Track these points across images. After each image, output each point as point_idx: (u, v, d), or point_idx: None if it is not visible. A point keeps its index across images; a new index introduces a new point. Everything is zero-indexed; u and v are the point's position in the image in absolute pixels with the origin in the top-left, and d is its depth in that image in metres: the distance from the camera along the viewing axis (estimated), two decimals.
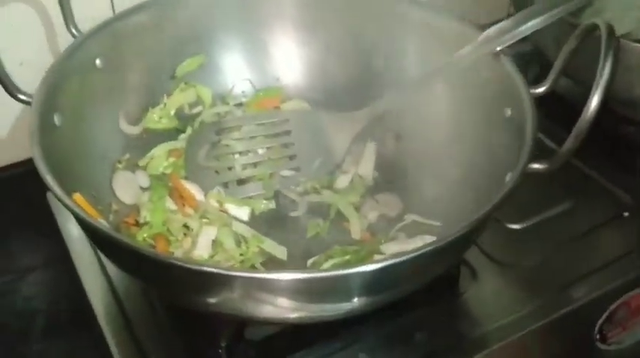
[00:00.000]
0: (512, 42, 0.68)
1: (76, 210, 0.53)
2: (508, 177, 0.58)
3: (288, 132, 0.77)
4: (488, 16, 1.05)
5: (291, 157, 0.75)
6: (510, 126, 0.64)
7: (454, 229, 0.54)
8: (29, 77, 0.65)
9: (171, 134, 0.77)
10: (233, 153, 0.76)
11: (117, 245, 0.51)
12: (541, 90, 0.64)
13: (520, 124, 0.62)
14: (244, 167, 0.75)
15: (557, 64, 0.66)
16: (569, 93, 0.84)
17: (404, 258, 0.51)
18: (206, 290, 0.52)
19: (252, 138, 0.77)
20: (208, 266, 0.49)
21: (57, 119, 0.63)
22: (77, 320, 0.79)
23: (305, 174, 0.74)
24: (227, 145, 0.76)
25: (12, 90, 0.63)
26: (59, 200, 0.53)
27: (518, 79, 0.65)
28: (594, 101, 0.55)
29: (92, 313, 0.68)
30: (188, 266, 0.48)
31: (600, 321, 0.71)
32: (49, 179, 0.54)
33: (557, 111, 0.72)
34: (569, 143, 0.56)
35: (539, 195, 0.76)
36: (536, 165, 0.57)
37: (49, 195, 0.77)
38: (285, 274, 0.48)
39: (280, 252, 0.66)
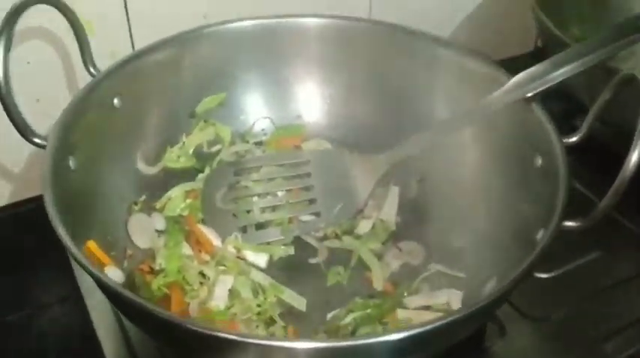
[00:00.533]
0: (543, 88, 0.65)
1: (85, 263, 0.51)
2: (540, 235, 0.55)
3: (308, 174, 0.75)
4: (515, 49, 1.03)
5: (311, 201, 0.73)
6: (541, 176, 0.62)
7: (485, 284, 0.52)
8: (45, 114, 0.64)
9: (189, 174, 0.75)
10: (252, 196, 0.73)
11: (127, 303, 0.49)
12: (574, 139, 0.62)
13: (551, 174, 0.59)
14: (263, 210, 0.73)
15: (592, 113, 0.63)
16: (601, 136, 0.81)
17: (430, 326, 0.48)
18: (222, 353, 0.49)
19: (271, 179, 0.75)
20: (223, 331, 0.46)
21: (72, 163, 0.62)
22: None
23: (325, 219, 0.72)
24: (246, 187, 0.74)
25: (27, 134, 0.61)
26: (68, 251, 0.52)
27: (549, 128, 0.62)
28: (635, 156, 0.52)
29: (102, 354, 0.66)
30: (202, 331, 0.46)
31: None
32: (60, 230, 0.53)
33: (588, 154, 0.69)
34: (608, 200, 0.53)
35: (569, 243, 0.72)
36: (570, 223, 0.54)
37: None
38: (304, 343, 0.46)
39: (299, 302, 0.64)
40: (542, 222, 0.56)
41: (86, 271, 0.51)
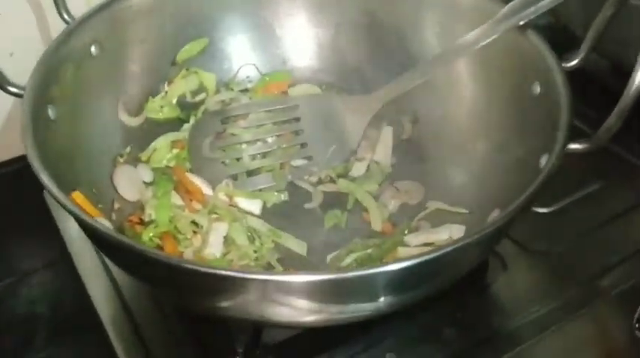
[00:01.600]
0: (537, 15, 0.63)
1: (75, 209, 0.48)
2: (544, 160, 0.53)
3: (298, 119, 0.72)
4: None
5: (303, 145, 0.71)
6: (540, 104, 0.60)
7: (487, 217, 0.50)
8: (20, 69, 0.61)
9: (174, 124, 0.73)
10: (240, 143, 0.71)
11: (121, 247, 0.46)
12: (573, 63, 0.60)
13: (551, 101, 0.58)
14: (253, 157, 0.70)
15: (590, 35, 0.61)
16: (594, 69, 0.80)
17: (433, 254, 0.46)
18: (220, 294, 0.47)
19: (260, 126, 0.72)
20: (223, 269, 0.44)
21: (51, 112, 0.59)
22: (82, 323, 0.75)
23: (318, 163, 0.70)
24: (233, 134, 0.71)
25: (2, 83, 0.58)
26: (56, 199, 0.49)
27: (547, 53, 0.61)
28: (639, 76, 0.50)
29: (96, 317, 0.64)
30: (200, 269, 0.44)
31: None
32: (44, 177, 0.50)
33: (580, 88, 0.67)
34: (612, 120, 0.51)
35: (567, 177, 0.71)
36: (575, 146, 0.53)
37: (45, 193, 0.72)
38: (308, 275, 0.44)
39: (300, 247, 0.62)
40: (544, 148, 0.55)
41: (74, 218, 0.49)
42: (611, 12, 0.59)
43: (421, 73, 0.68)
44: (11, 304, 0.78)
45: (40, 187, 0.71)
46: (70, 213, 0.49)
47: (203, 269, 0.44)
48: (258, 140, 0.71)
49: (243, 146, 0.71)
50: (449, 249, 0.47)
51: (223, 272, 0.44)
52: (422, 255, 0.46)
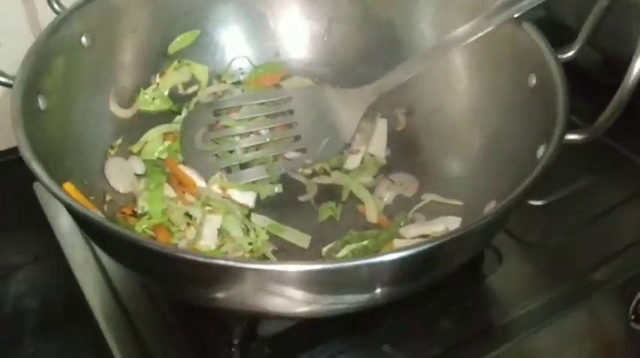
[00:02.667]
0: (532, 6, 0.63)
1: (67, 199, 0.47)
2: (541, 151, 0.53)
3: (291, 112, 0.71)
4: None
5: (296, 138, 0.70)
6: (536, 96, 0.60)
7: (484, 210, 0.49)
8: (8, 60, 0.60)
9: (166, 116, 0.72)
10: (233, 136, 0.70)
11: (114, 237, 0.46)
12: (569, 54, 0.60)
13: (547, 92, 0.57)
14: (246, 150, 0.69)
15: (587, 26, 0.62)
16: (586, 63, 0.80)
17: (430, 245, 0.46)
18: (216, 284, 0.47)
19: (252, 118, 0.71)
20: (219, 258, 0.43)
21: (41, 102, 0.58)
22: (71, 318, 0.75)
23: (311, 155, 0.69)
24: (226, 127, 0.71)
25: None
26: (47, 189, 0.48)
27: (543, 45, 0.60)
28: (637, 65, 0.50)
29: (88, 311, 0.63)
30: (197, 258, 0.43)
31: (635, 301, 0.66)
32: (36, 166, 0.49)
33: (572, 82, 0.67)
34: (611, 110, 0.51)
35: (561, 170, 0.71)
36: (573, 136, 0.52)
37: (36, 185, 0.72)
38: (305, 265, 0.43)
39: (302, 240, 0.62)
40: (541, 140, 0.54)
41: (67, 208, 0.48)
42: (606, 4, 0.59)
43: (415, 65, 0.67)
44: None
45: (29, 180, 0.71)
46: (63, 203, 0.48)
47: (200, 259, 0.43)
48: (251, 133, 0.70)
49: (236, 138, 0.70)
50: (445, 239, 0.47)
51: (220, 262, 0.43)
52: (418, 245, 0.46)
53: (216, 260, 0.43)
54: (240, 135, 0.70)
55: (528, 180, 0.50)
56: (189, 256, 0.43)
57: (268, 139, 0.70)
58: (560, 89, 0.55)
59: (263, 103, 0.72)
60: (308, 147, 0.69)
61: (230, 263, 0.43)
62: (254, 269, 0.44)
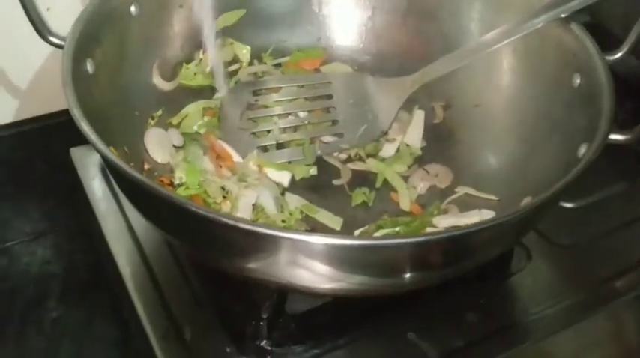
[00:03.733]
0: (580, 7, 0.63)
1: (114, 158, 0.48)
2: (583, 149, 0.53)
3: (330, 96, 0.72)
4: None
5: (334, 122, 0.70)
6: (579, 95, 0.60)
7: (518, 206, 0.49)
8: (55, 24, 0.60)
9: (206, 92, 0.72)
10: (271, 116, 0.70)
11: (157, 198, 0.46)
12: (617, 56, 0.60)
13: (592, 92, 0.58)
14: (283, 130, 0.70)
15: (633, 32, 0.61)
16: (626, 71, 0.79)
17: (463, 231, 0.47)
18: (251, 253, 0.47)
19: (292, 100, 0.72)
20: (259, 225, 0.44)
21: (90, 67, 0.59)
22: (95, 285, 0.75)
23: (348, 140, 0.69)
24: (265, 106, 0.71)
25: (44, 33, 0.58)
26: (95, 147, 0.49)
27: (589, 45, 0.60)
28: None
29: (115, 279, 0.64)
30: (239, 225, 0.44)
31: None
32: (84, 124, 0.50)
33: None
34: None
35: (594, 175, 0.71)
36: (616, 136, 0.52)
37: (73, 150, 0.72)
38: (340, 239, 0.44)
39: (335, 222, 0.62)
40: (583, 139, 0.54)
41: (112, 168, 0.49)
42: None
43: (458, 59, 0.67)
44: (25, 263, 0.78)
45: (64, 146, 0.72)
46: (109, 162, 0.48)
47: (241, 225, 0.43)
48: (289, 114, 0.71)
49: (274, 119, 0.70)
50: (479, 227, 0.47)
51: (260, 229, 0.44)
52: (451, 230, 0.46)
53: (256, 227, 0.44)
54: (279, 115, 0.71)
55: (569, 176, 0.50)
56: (231, 221, 0.44)
57: (306, 122, 0.70)
58: (605, 88, 0.56)
59: (302, 86, 0.73)
60: (345, 132, 0.69)
61: (269, 231, 0.44)
62: (291, 239, 0.44)
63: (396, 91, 0.70)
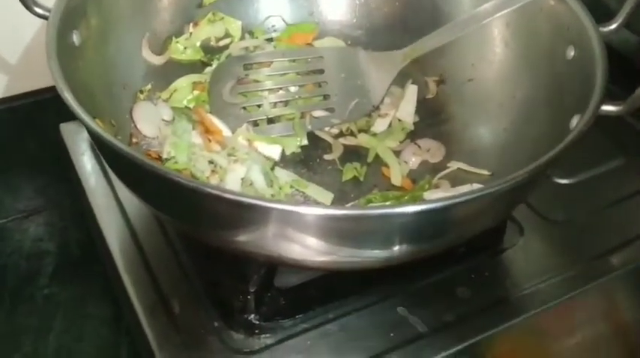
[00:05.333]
0: None
1: (98, 129, 0.47)
2: (575, 120, 0.53)
3: (321, 71, 0.71)
4: None
5: (325, 97, 0.69)
6: (573, 68, 0.59)
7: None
8: None
9: (196, 66, 0.72)
10: (262, 90, 0.70)
11: (144, 170, 0.45)
12: (611, 27, 0.59)
13: (585, 64, 0.57)
14: (274, 105, 0.69)
15: (627, 4, 0.60)
16: (622, 46, 0.79)
17: (454, 201, 0.46)
18: (238, 225, 0.47)
19: (282, 74, 0.71)
20: (244, 195, 0.43)
21: (75, 38, 0.58)
22: (86, 263, 0.75)
23: (339, 115, 0.68)
24: (256, 81, 0.70)
25: (28, 3, 0.58)
26: (79, 118, 0.48)
27: (584, 17, 0.59)
28: None
29: (104, 255, 0.63)
30: (223, 195, 0.43)
31: None
32: (68, 96, 0.49)
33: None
34: None
35: (589, 151, 0.70)
36: (609, 107, 0.52)
37: (62, 126, 0.72)
38: (327, 209, 0.43)
39: (325, 197, 0.62)
40: (575, 110, 0.54)
41: (97, 140, 0.48)
42: None
43: (450, 32, 0.66)
44: (18, 240, 0.78)
45: (54, 122, 0.72)
46: (94, 134, 0.48)
47: (226, 195, 0.43)
48: (280, 88, 0.70)
49: (265, 93, 0.70)
50: (468, 197, 0.46)
51: (244, 199, 0.43)
52: (440, 200, 0.46)
53: (242, 197, 0.43)
54: (269, 90, 0.70)
55: (561, 146, 0.49)
56: (215, 191, 0.43)
57: (297, 96, 0.70)
58: (599, 60, 0.55)
59: (294, 60, 0.72)
60: (336, 107, 0.69)
61: (256, 201, 0.43)
62: (278, 210, 0.43)
63: (387, 65, 0.69)
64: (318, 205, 0.49)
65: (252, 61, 0.71)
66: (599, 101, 0.51)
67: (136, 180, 0.51)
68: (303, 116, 0.69)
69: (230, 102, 0.68)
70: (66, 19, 0.57)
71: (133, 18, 0.66)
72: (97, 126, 0.47)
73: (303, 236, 0.46)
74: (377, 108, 0.69)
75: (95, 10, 0.61)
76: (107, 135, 0.47)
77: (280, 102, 0.69)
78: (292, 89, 0.70)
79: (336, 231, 0.46)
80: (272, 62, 0.71)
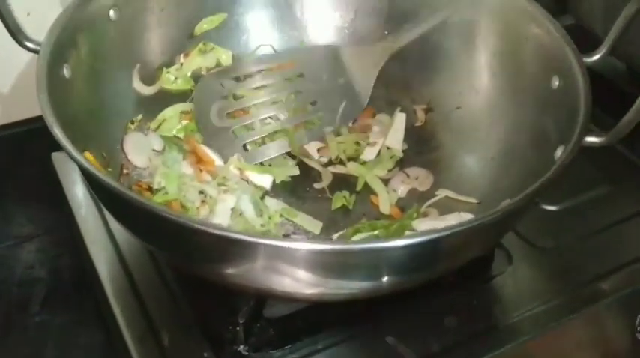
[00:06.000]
0: None
1: (86, 164, 0.48)
2: (559, 151, 0.53)
3: (301, 75, 0.71)
4: None
5: (312, 103, 0.70)
6: (558, 98, 0.60)
7: (498, 204, 0.49)
8: (36, 29, 0.60)
9: (187, 96, 0.72)
10: (248, 107, 0.70)
11: (130, 204, 0.46)
12: (595, 58, 0.60)
13: (570, 95, 0.58)
14: (264, 123, 0.69)
15: (612, 32, 0.61)
16: (610, 73, 0.80)
17: (442, 233, 0.46)
18: (226, 259, 0.47)
19: (264, 86, 0.71)
20: (231, 231, 0.44)
21: (66, 71, 0.59)
22: (78, 290, 0.75)
23: (330, 121, 0.69)
24: (241, 96, 0.70)
25: (20, 38, 0.58)
26: (67, 153, 0.48)
27: (568, 47, 0.60)
28: None
29: (95, 283, 0.63)
30: (209, 230, 0.43)
31: None
32: (57, 130, 0.49)
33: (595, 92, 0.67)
34: (631, 115, 0.51)
35: (577, 178, 0.71)
36: (592, 139, 0.52)
37: (54, 155, 0.72)
38: (315, 244, 0.44)
39: (314, 226, 0.62)
40: (560, 141, 0.54)
41: (85, 174, 0.48)
42: (634, 10, 0.59)
43: (428, 20, 0.68)
44: (9, 267, 0.78)
45: (46, 151, 0.72)
46: (82, 168, 0.48)
47: (211, 230, 0.43)
48: (264, 103, 0.70)
49: (252, 110, 0.70)
50: (455, 230, 0.46)
51: (232, 235, 0.43)
52: (427, 233, 0.46)
53: (228, 232, 0.43)
54: (255, 105, 0.70)
55: (544, 178, 0.50)
56: (202, 227, 0.44)
57: (284, 109, 0.70)
58: (582, 91, 0.56)
59: (270, 70, 0.72)
60: (325, 113, 0.69)
61: (241, 236, 0.43)
62: (265, 245, 0.44)
63: (370, 60, 0.70)
64: (303, 240, 0.49)
65: (231, 76, 0.71)
66: (581, 133, 0.52)
67: (125, 214, 0.51)
68: (296, 129, 0.69)
69: (221, 127, 0.69)
70: (56, 52, 0.57)
71: (124, 50, 0.67)
72: (85, 161, 0.48)
73: (291, 269, 0.47)
74: (365, 107, 0.70)
75: (86, 44, 0.61)
76: (95, 170, 0.48)
77: (270, 117, 0.70)
78: (278, 102, 0.70)
79: (323, 265, 0.47)
80: (251, 74, 0.72)
